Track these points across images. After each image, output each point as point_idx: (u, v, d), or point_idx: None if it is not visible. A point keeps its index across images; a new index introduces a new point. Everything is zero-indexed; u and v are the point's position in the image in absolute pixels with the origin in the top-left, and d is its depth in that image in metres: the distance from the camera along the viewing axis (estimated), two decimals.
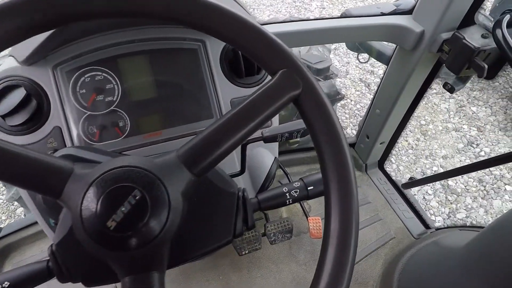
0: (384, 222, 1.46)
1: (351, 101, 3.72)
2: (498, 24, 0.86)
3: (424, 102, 3.63)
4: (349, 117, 3.57)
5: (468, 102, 3.62)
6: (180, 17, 0.36)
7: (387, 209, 1.50)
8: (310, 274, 1.32)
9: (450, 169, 1.09)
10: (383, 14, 1.28)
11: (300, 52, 1.84)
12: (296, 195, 0.51)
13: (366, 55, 1.60)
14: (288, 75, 0.38)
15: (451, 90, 1.09)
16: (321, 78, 1.69)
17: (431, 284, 0.99)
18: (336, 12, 4.67)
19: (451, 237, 1.21)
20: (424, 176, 1.25)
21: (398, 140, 1.52)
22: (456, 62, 0.96)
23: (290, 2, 4.60)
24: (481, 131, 3.33)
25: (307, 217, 1.33)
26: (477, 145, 3.24)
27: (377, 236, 1.42)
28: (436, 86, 3.70)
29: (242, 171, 0.59)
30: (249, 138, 0.54)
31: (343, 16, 1.43)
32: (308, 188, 0.51)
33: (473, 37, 0.92)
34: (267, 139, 0.53)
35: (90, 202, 0.32)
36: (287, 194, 0.50)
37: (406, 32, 1.02)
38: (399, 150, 3.19)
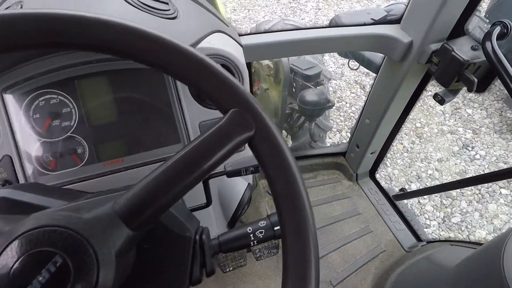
0: (374, 234, 1.42)
1: (346, 103, 3.68)
2: (487, 36, 0.81)
3: (419, 104, 3.59)
4: (344, 119, 3.54)
5: (463, 104, 3.59)
6: (115, 49, 0.32)
7: (378, 221, 1.46)
8: None
9: (444, 182, 1.05)
10: (373, 20, 1.24)
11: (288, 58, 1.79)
12: (261, 236, 0.47)
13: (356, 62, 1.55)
14: (240, 115, 0.34)
15: (441, 101, 1.04)
16: (312, 84, 1.65)
17: None
18: (331, 13, 4.62)
19: (443, 252, 1.17)
20: (417, 189, 1.21)
21: (389, 149, 1.48)
22: (445, 75, 0.92)
23: (286, 3, 4.55)
24: (476, 134, 3.30)
25: None
26: (472, 148, 3.21)
27: (367, 249, 1.38)
28: (432, 88, 3.67)
29: (208, 204, 0.55)
30: (211, 174, 0.49)
31: (332, 23, 1.38)
32: (275, 228, 0.47)
33: (463, 49, 0.88)
34: (230, 174, 0.49)
35: (3, 269, 0.27)
36: (251, 235, 0.46)
37: (394, 42, 0.98)
38: (394, 153, 3.15)
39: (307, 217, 0.34)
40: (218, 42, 0.66)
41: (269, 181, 0.35)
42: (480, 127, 3.35)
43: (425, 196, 2.94)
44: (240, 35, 0.96)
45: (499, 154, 3.11)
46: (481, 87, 0.90)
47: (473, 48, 0.87)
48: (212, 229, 0.49)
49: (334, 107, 3.61)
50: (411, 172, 3.03)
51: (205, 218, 0.65)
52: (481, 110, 3.54)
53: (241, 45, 0.81)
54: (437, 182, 2.98)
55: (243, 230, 0.46)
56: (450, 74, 0.90)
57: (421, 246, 1.33)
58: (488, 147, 3.19)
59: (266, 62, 1.68)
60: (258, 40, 0.96)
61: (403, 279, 1.13)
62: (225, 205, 0.70)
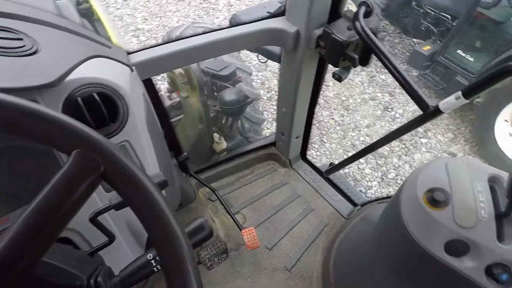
0: (316, 211, 1.51)
1: (276, 92, 3.81)
2: (356, 16, 0.90)
3: None
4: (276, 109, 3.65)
5: (377, 72, 3.96)
6: None
7: (317, 198, 1.55)
8: (257, 286, 1.31)
9: (362, 148, 1.14)
10: (269, 13, 1.28)
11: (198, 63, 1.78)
12: None
13: None
14: (84, 156, 0.33)
15: (339, 79, 1.13)
16: (229, 84, 1.67)
17: (357, 260, 1.04)
18: (244, 7, 4.70)
19: (371, 211, 1.29)
20: (342, 160, 1.30)
21: (311, 131, 1.57)
22: (332, 56, 1.00)
23: (197, 5, 4.50)
24: (392, 96, 3.68)
25: (241, 230, 1.31)
26: (392, 109, 3.57)
27: (312, 227, 1.46)
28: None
29: (111, 240, 0.53)
30: (97, 210, 0.47)
31: (232, 23, 1.41)
32: None
33: (341, 31, 0.97)
34: (118, 206, 0.48)
35: None
36: (153, 261, 0.45)
37: (283, 34, 1.03)
38: (328, 129, 3.37)
39: (182, 248, 0.34)
40: (92, 70, 0.63)
41: (134, 210, 0.35)
42: (394, 89, 3.74)
43: (362, 161, 3.21)
44: (129, 52, 0.93)
45: (414, 109, 3.51)
46: (364, 62, 1.00)
47: (348, 29, 0.95)
48: (128, 262, 0.48)
49: (265, 98, 3.72)
50: (346, 143, 3.27)
51: (117, 253, 0.62)
52: (384, 75, 3.95)
53: (128, 65, 0.78)
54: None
55: (143, 259, 0.45)
56: (335, 55, 0.98)
57: (357, 210, 1.45)
58: (404, 105, 3.58)
59: (178, 70, 1.65)
60: (152, 54, 0.94)
61: (343, 243, 1.22)
62: (137, 232, 0.68)
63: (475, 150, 3.28)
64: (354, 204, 1.52)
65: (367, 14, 0.92)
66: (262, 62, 3.09)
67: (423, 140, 3.31)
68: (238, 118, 1.71)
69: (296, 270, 1.35)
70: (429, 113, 0.82)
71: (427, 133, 3.36)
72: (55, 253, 0.43)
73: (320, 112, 3.51)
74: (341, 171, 2.98)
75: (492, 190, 0.65)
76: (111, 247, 0.54)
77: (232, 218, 1.38)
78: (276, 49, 1.32)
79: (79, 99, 0.58)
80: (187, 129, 1.77)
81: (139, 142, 0.66)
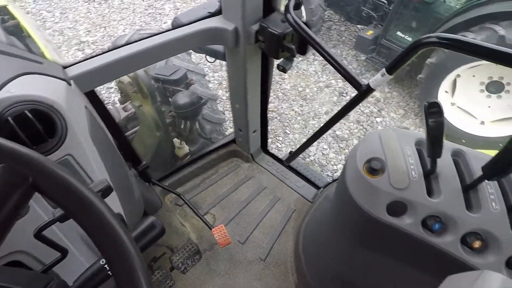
0: (283, 199, 1.56)
1: None
2: (286, 9, 0.95)
3: (295, 72, 3.98)
4: None
5: None
6: None
7: (282, 187, 1.61)
8: (235, 281, 1.33)
9: (316, 130, 1.19)
10: (210, 13, 1.29)
11: (152, 68, 1.76)
12: None
13: None
14: (10, 169, 0.33)
15: (283, 70, 1.18)
16: (182, 87, 1.66)
17: (320, 237, 1.10)
18: None
19: (332, 190, 1.36)
20: (299, 146, 1.35)
21: (268, 124, 1.61)
22: (271, 49, 1.04)
23: (142, 11, 4.38)
24: (345, 81, 3.86)
25: (211, 229, 1.33)
26: (346, 93, 3.75)
27: (281, 215, 1.51)
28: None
29: (63, 254, 0.52)
30: (40, 225, 0.47)
31: (174, 25, 1.40)
32: None
33: (276, 24, 1.01)
34: (61, 219, 0.47)
35: None
36: (106, 265, 0.45)
37: (222, 32, 1.06)
38: (289, 120, 3.46)
39: (129, 253, 0.35)
40: (22, 87, 0.61)
41: (74, 218, 0.36)
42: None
43: (326, 147, 3.34)
44: (66, 66, 0.90)
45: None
46: (302, 51, 1.06)
47: (282, 21, 1.00)
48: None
49: (225, 98, 3.73)
50: (308, 131, 3.39)
51: (73, 267, 0.61)
52: (342, 60, 4.13)
53: (65, 79, 0.77)
54: (330, 131, 3.42)
55: (97, 264, 0.46)
56: (274, 47, 1.03)
57: (320, 192, 1.52)
58: (355, 90, 3.77)
59: (127, 79, 1.62)
60: (90, 66, 0.92)
61: (309, 224, 1.28)
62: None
63: (424, 123, 3.54)
64: (317, 187, 1.59)
65: (297, 6, 0.97)
66: (210, 62, 3.10)
67: (378, 119, 3.52)
68: (195, 121, 1.71)
69: (271, 259, 1.39)
70: (362, 92, 0.89)
71: (381, 112, 3.57)
72: (4, 278, 0.42)
73: (280, 105, 3.60)
74: (307, 159, 3.08)
75: (419, 152, 0.73)
76: (66, 262, 0.54)
77: (201, 219, 1.39)
78: (220, 47, 1.34)
79: (9, 118, 0.56)
80: (145, 138, 1.74)
81: (83, 155, 0.65)
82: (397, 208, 0.70)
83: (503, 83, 3.04)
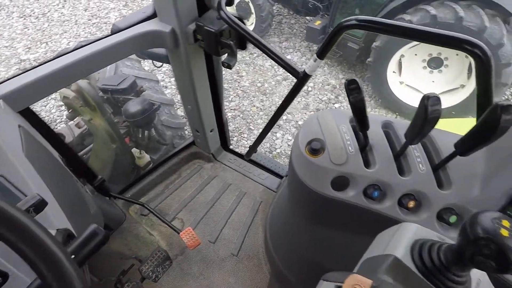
0: (249, 193, 1.59)
1: None
2: (219, 6, 0.96)
3: (252, 68, 4.02)
4: None
5: (283, 52, 4.21)
6: None
7: (247, 181, 1.63)
8: (210, 280, 1.33)
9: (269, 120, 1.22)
10: (146, 17, 1.27)
11: (98, 79, 1.70)
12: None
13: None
14: None
15: (229, 66, 1.19)
16: (132, 96, 1.62)
17: (283, 222, 1.13)
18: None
19: None
20: (255, 139, 1.38)
21: (225, 122, 1.63)
22: (211, 47, 1.05)
23: (86, 22, 4.18)
24: None
25: (179, 234, 1.32)
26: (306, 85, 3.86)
27: (248, 209, 1.54)
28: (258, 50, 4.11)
29: (4, 279, 0.50)
30: None
31: (113, 32, 1.36)
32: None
33: (212, 22, 1.02)
34: None
35: None
36: None
37: (159, 34, 1.05)
38: (252, 116, 3.49)
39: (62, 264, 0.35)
40: None
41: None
42: (301, 65, 4.03)
43: (290, 137, 3.42)
44: None
45: (322, 80, 3.84)
46: (242, 45, 1.08)
47: (217, 18, 1.01)
48: None
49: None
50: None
51: None
52: (296, 52, 4.24)
53: None
54: (293, 122, 3.50)
55: (35, 283, 0.44)
56: (213, 45, 1.04)
57: (283, 180, 1.56)
58: (311, 79, 3.89)
59: (72, 94, 1.55)
60: (20, 83, 0.87)
61: (274, 212, 1.31)
62: None
63: (379, 103, 3.73)
64: (280, 177, 1.63)
65: (229, 2, 0.99)
66: (157, 67, 3.05)
67: (336, 105, 3.66)
68: (150, 128, 1.68)
69: (243, 253, 1.41)
70: (300, 78, 0.93)
71: (338, 98, 3.71)
72: None
73: (241, 103, 3.62)
74: (274, 152, 3.13)
75: (354, 128, 0.78)
76: (8, 285, 0.52)
77: (169, 225, 1.37)
78: (162, 50, 1.33)
79: None
80: (101, 151, 1.68)
81: (17, 175, 0.63)
82: (341, 182, 0.75)
83: (441, 59, 3.28)
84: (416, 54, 3.36)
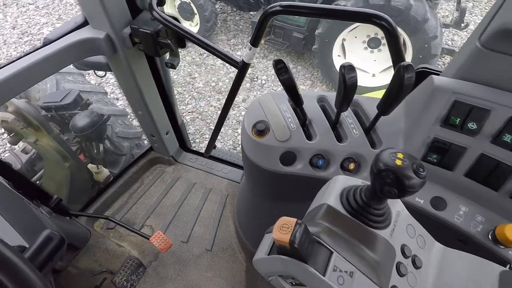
0: (214, 189, 1.62)
1: None
2: (150, 7, 0.98)
3: (204, 68, 4.02)
4: None
5: (232, 50, 4.25)
6: None
7: (211, 177, 1.65)
8: (188, 279, 1.35)
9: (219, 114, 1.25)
10: (77, 25, 1.23)
11: (39, 98, 1.62)
12: None
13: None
14: None
15: (172, 66, 1.21)
16: (78, 110, 1.57)
17: (246, 207, 1.18)
18: None
19: None
20: (211, 135, 1.40)
21: (180, 122, 1.63)
22: (150, 48, 1.06)
23: (16, 41, 3.88)
24: (253, 67, 4.04)
25: (149, 240, 1.31)
26: (257, 78, 3.93)
27: (216, 204, 1.56)
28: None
29: None
30: None
31: (44, 44, 1.30)
32: None
33: (147, 23, 1.03)
34: None
35: None
36: None
37: (94, 42, 1.03)
38: (211, 116, 3.50)
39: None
40: None
41: None
42: (254, 59, 4.10)
43: (238, 130, 3.48)
44: None
45: (273, 73, 3.95)
46: (181, 44, 1.10)
47: (151, 19, 1.02)
48: None
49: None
50: (232, 122, 3.48)
51: None
52: (245, 48, 4.30)
53: None
54: None
55: None
56: (151, 46, 1.05)
57: (243, 170, 1.61)
58: (264, 72, 3.98)
59: (11, 116, 1.46)
60: None
61: (239, 201, 1.35)
62: None
63: (330, 86, 3.92)
64: (242, 168, 1.68)
65: (161, 2, 1.00)
66: (100, 77, 2.96)
67: None
68: (103, 140, 1.64)
69: (217, 246, 1.44)
70: (240, 68, 0.98)
71: None
72: None
73: (198, 104, 3.60)
74: (238, 148, 3.17)
75: (293, 106, 0.85)
76: None
77: (138, 234, 1.36)
78: (101, 58, 1.30)
79: None
80: (54, 172, 1.60)
81: None
82: (288, 157, 0.81)
83: (379, 38, 3.53)
84: (356, 37, 3.58)
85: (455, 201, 0.74)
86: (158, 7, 0.98)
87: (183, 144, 1.72)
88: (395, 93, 0.62)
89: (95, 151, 1.78)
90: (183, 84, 3.79)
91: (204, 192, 1.60)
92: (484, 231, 0.70)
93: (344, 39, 3.55)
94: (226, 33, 4.43)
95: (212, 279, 1.34)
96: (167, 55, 1.19)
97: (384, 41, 3.51)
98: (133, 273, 1.23)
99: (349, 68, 0.62)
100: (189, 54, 4.11)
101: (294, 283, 0.39)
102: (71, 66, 2.15)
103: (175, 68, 1.23)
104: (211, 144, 1.53)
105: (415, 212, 0.76)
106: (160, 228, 1.47)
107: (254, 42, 0.88)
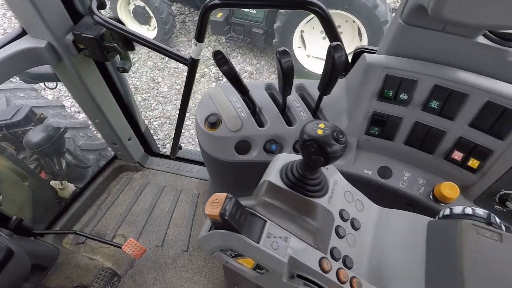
0: (185, 190, 1.61)
1: None
2: (90, 11, 0.96)
3: (167, 72, 3.96)
4: None
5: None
6: None
7: (180, 179, 1.65)
8: (166, 282, 1.34)
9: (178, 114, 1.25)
10: (14, 36, 1.17)
11: None
12: None
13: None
14: None
15: (124, 70, 1.19)
16: (32, 126, 1.50)
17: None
18: None
19: None
20: (173, 136, 1.39)
21: (142, 127, 1.61)
22: (96, 53, 1.04)
23: None
24: (215, 66, 4.02)
25: (121, 248, 1.29)
26: (222, 77, 3.93)
27: (188, 204, 1.56)
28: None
29: None
30: None
31: None
32: None
33: (89, 27, 1.01)
34: None
35: None
36: None
37: (35, 52, 1.00)
38: (174, 119, 3.46)
39: None
40: None
41: None
42: (209, 59, 4.09)
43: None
44: None
45: (239, 68, 3.95)
46: (129, 46, 1.09)
47: (94, 23, 1.00)
48: None
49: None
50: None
51: None
52: (207, 47, 4.28)
53: None
54: None
55: None
56: (97, 51, 1.03)
57: None
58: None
59: None
60: None
61: (208, 196, 1.37)
62: None
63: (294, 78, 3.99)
64: None
65: (101, 6, 0.99)
66: (51, 88, 2.84)
67: None
68: (62, 154, 1.58)
69: (193, 246, 1.44)
70: (190, 65, 0.98)
71: None
72: None
73: (165, 109, 3.55)
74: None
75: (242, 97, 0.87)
76: None
77: (110, 244, 1.33)
78: (46, 68, 1.25)
79: None
80: (13, 194, 1.52)
81: None
82: (243, 146, 0.83)
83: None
84: (314, 28, 3.67)
85: (399, 168, 0.79)
86: (100, 10, 0.96)
87: (149, 148, 1.70)
88: (329, 72, 0.66)
89: (57, 167, 1.72)
90: (147, 90, 3.71)
91: (175, 194, 1.59)
92: (426, 193, 0.76)
93: (302, 31, 3.63)
94: (186, 35, 4.38)
95: (191, 279, 1.35)
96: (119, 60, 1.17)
97: (340, 29, 3.63)
98: (107, 284, 1.20)
99: (283, 53, 0.65)
100: (151, 59, 4.03)
101: (233, 255, 0.41)
102: (19, 81, 2.05)
103: (127, 72, 1.21)
104: (175, 146, 1.52)
105: (366, 183, 0.81)
106: (133, 235, 1.45)
107: (199, 37, 0.89)
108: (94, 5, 0.96)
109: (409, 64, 0.70)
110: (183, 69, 3.92)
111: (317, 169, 0.47)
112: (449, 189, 0.70)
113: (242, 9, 3.70)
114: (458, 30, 0.64)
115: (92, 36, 0.99)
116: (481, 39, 0.65)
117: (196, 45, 0.92)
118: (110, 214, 1.53)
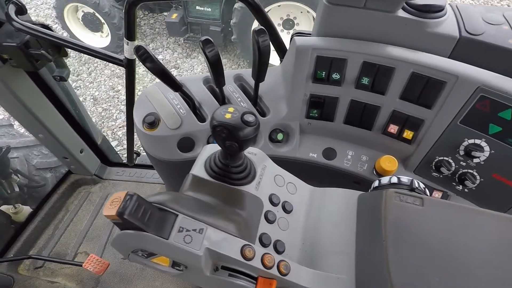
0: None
1: None
2: (8, 17, 0.89)
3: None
4: None
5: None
6: None
7: (142, 186, 1.59)
8: None
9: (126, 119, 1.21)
10: None
11: None
12: None
13: None
14: None
15: (62, 79, 1.12)
16: None
17: None
18: None
19: None
20: (126, 144, 1.34)
21: (97, 137, 1.54)
22: (23, 63, 0.97)
23: None
24: (178, 68, 3.94)
25: (82, 266, 1.23)
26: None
27: None
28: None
29: None
30: None
31: None
32: None
33: (11, 35, 0.94)
34: None
35: None
36: None
37: None
38: None
39: None
40: None
41: None
42: (176, 62, 4.00)
43: None
44: None
45: (200, 69, 3.90)
46: (62, 52, 1.02)
47: (16, 30, 0.93)
48: None
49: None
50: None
51: None
52: (166, 50, 4.17)
53: None
54: None
55: None
56: (24, 60, 0.96)
57: None
58: (190, 71, 3.92)
59: None
60: None
61: None
62: None
63: None
64: None
65: (21, 11, 0.92)
66: None
67: None
68: (8, 175, 1.47)
69: None
70: (126, 65, 0.94)
71: None
72: None
73: (123, 116, 3.43)
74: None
75: (180, 94, 0.84)
76: None
77: (71, 264, 1.26)
78: None
79: None
80: None
81: None
82: (187, 144, 0.80)
83: (293, 20, 3.67)
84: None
85: (342, 148, 0.80)
86: (19, 16, 0.90)
87: (105, 159, 1.63)
88: (257, 58, 0.65)
89: (8, 191, 1.60)
90: (107, 100, 3.57)
91: None
92: (369, 169, 0.77)
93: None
94: (143, 38, 4.25)
95: (161, 287, 1.31)
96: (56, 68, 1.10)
97: (297, 21, 3.66)
98: None
99: (206, 42, 0.63)
100: (108, 67, 3.87)
101: (145, 255, 0.39)
102: None
103: (65, 80, 1.14)
104: (131, 152, 1.46)
105: (313, 166, 0.81)
106: (96, 251, 1.38)
107: (129, 36, 0.86)
108: (11, 10, 0.89)
109: (337, 43, 0.71)
110: (144, 74, 3.81)
111: (237, 155, 0.46)
112: (388, 162, 0.72)
113: (197, 8, 3.64)
114: (378, 4, 0.65)
115: (14, 44, 0.92)
116: (401, 13, 0.67)
117: (127, 44, 0.88)
118: (69, 232, 1.45)
